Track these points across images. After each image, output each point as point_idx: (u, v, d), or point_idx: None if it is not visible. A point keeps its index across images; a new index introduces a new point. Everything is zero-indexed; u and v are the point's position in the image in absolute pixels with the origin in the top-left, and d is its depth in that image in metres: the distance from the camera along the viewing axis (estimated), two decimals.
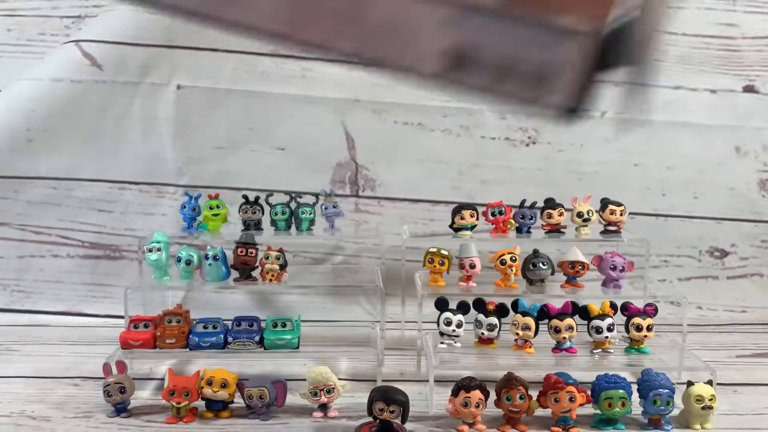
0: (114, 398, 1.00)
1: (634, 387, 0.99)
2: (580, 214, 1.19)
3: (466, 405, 0.95)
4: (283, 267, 1.14)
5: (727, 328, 1.42)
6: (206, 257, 1.14)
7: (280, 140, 1.43)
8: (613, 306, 1.08)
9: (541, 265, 1.13)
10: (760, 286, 1.49)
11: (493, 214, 1.19)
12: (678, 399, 0.99)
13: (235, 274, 1.16)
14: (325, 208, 1.22)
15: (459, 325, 1.07)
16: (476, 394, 0.95)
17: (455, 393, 0.96)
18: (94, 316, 1.42)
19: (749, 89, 1.46)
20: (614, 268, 1.15)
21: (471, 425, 0.97)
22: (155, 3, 0.45)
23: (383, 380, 1.08)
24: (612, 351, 1.08)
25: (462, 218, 1.18)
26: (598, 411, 0.98)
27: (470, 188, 1.45)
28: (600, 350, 1.08)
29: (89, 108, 1.39)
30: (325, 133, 1.43)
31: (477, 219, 1.19)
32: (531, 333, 1.06)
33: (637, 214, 1.43)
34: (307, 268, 1.45)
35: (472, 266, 1.16)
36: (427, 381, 1.04)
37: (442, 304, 1.08)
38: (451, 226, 1.20)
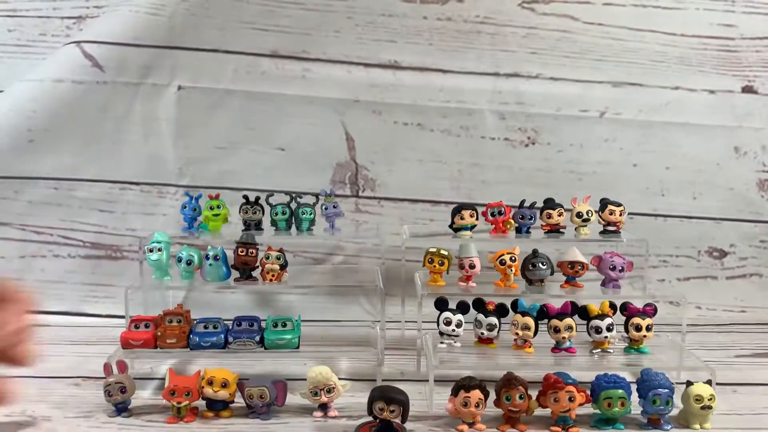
0: (115, 398, 1.00)
1: (634, 387, 0.99)
2: (579, 215, 1.19)
3: (465, 405, 0.96)
4: (283, 267, 1.15)
5: (726, 328, 1.43)
6: (207, 257, 1.14)
7: (280, 140, 1.44)
8: (612, 306, 1.08)
9: (540, 265, 1.13)
10: (759, 286, 1.49)
11: (492, 215, 1.19)
12: (677, 399, 0.99)
13: (235, 274, 1.16)
14: (325, 209, 1.22)
15: (459, 325, 1.07)
16: (476, 394, 0.95)
17: (455, 393, 0.97)
18: (95, 316, 1.43)
19: (748, 90, 1.46)
20: (613, 268, 1.15)
21: (471, 425, 0.98)
22: None
23: (383, 380, 1.08)
24: (611, 351, 1.08)
25: (462, 218, 1.19)
26: (597, 411, 0.98)
27: (470, 188, 1.45)
28: (599, 350, 1.08)
29: (90, 108, 1.39)
30: (325, 133, 1.43)
31: (477, 219, 1.19)
32: (530, 333, 1.07)
33: (636, 214, 1.44)
34: (308, 268, 1.45)
35: (472, 266, 1.16)
36: (427, 381, 1.04)
37: (441, 304, 1.08)
38: (450, 226, 1.21)
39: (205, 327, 1.09)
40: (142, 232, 1.38)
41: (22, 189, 1.41)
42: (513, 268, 1.14)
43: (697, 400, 0.97)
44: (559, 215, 1.20)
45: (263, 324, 1.11)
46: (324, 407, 1.02)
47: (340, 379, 1.02)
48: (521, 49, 1.43)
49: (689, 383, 0.99)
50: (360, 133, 1.44)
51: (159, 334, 1.08)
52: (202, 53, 1.41)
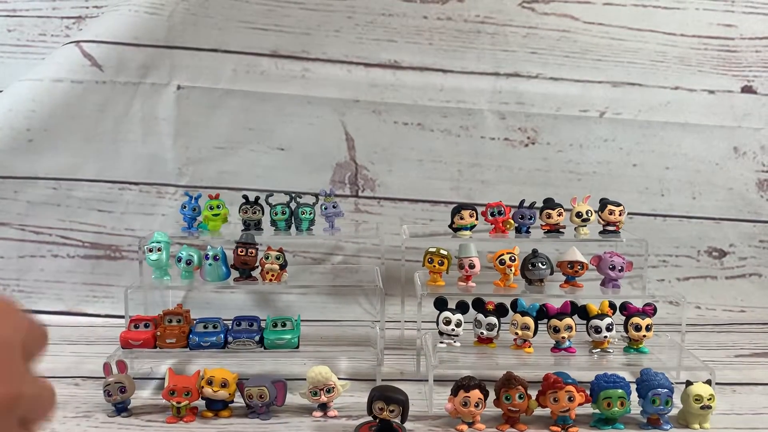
0: (114, 398, 1.00)
1: (633, 386, 0.99)
2: (579, 214, 1.19)
3: (465, 404, 0.96)
4: (283, 267, 1.14)
5: (725, 327, 1.43)
6: (206, 257, 1.14)
7: (280, 140, 1.43)
8: (612, 306, 1.08)
9: (540, 264, 1.13)
10: (758, 285, 1.50)
11: (492, 214, 1.19)
12: (677, 398, 0.99)
13: (235, 273, 1.16)
14: (325, 208, 1.22)
15: (458, 325, 1.07)
16: (475, 394, 0.95)
17: (455, 392, 0.97)
18: (94, 316, 1.43)
19: (747, 90, 1.46)
20: (613, 268, 1.15)
21: (470, 425, 0.98)
22: None
23: (383, 380, 1.08)
24: (611, 351, 1.08)
25: (461, 218, 1.19)
26: (597, 410, 0.98)
27: (470, 188, 1.45)
28: (599, 350, 1.08)
29: (89, 108, 1.39)
30: (324, 133, 1.43)
31: (476, 219, 1.19)
32: (530, 332, 1.07)
33: (635, 214, 1.44)
34: (307, 268, 1.45)
35: (472, 266, 1.16)
36: (427, 380, 1.04)
37: (441, 304, 1.08)
38: (450, 226, 1.21)
39: (205, 327, 1.09)
40: (141, 232, 1.38)
41: (22, 189, 1.41)
42: (512, 268, 1.14)
43: (696, 399, 0.97)
44: (559, 215, 1.20)
45: (263, 324, 1.11)
46: (323, 407, 1.02)
47: (339, 378, 1.02)
48: (521, 49, 1.43)
49: (689, 383, 0.99)
50: (360, 133, 1.44)
51: (158, 334, 1.08)
52: (201, 53, 1.41)
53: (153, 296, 1.28)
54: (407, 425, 0.94)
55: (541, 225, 1.20)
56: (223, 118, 1.42)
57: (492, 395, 0.98)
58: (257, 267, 1.15)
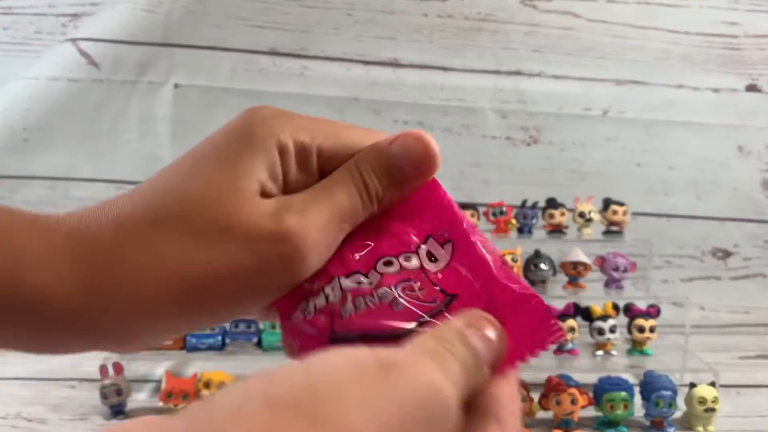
0: (110, 400, 0.99)
1: (637, 389, 0.98)
2: (582, 214, 1.18)
3: None
4: None
5: (730, 329, 1.41)
6: None
7: None
8: (615, 307, 1.07)
9: (542, 265, 1.12)
10: (763, 286, 1.48)
11: (494, 214, 1.18)
12: (680, 401, 0.98)
13: None
14: None
15: None
16: None
17: None
18: None
19: (752, 88, 1.45)
20: (616, 269, 1.13)
21: None
22: None
23: None
24: (614, 353, 1.07)
25: None
26: (600, 413, 0.97)
27: (471, 188, 1.44)
28: (602, 352, 1.07)
29: (86, 107, 1.38)
30: None
31: (478, 219, 1.18)
32: None
33: (639, 214, 1.42)
34: None
35: None
36: None
37: None
38: None
39: (202, 328, 1.08)
40: None
41: (17, 188, 1.40)
42: (515, 269, 1.13)
43: (700, 402, 0.96)
44: (562, 215, 1.18)
45: (261, 326, 1.10)
46: None
47: None
48: (523, 47, 1.42)
49: (692, 385, 0.98)
50: None
51: None
52: (199, 51, 1.39)
53: None
54: None
55: (544, 225, 1.19)
56: (221, 117, 1.39)
57: None
58: None
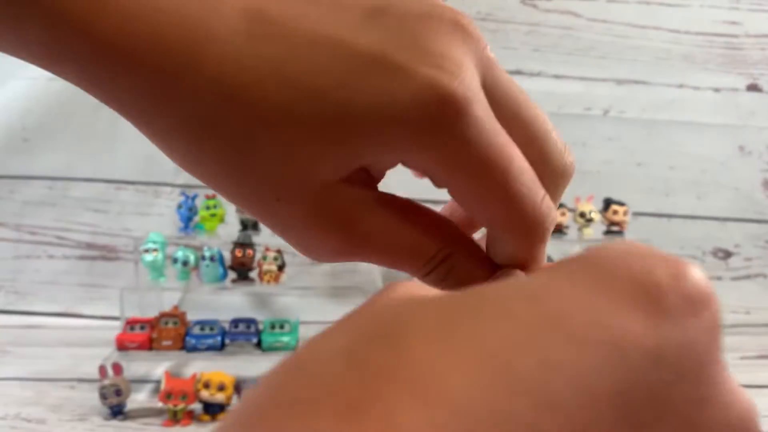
0: (110, 401, 0.99)
1: None
2: (582, 214, 1.18)
3: None
4: (281, 268, 1.13)
5: (731, 329, 1.41)
6: (203, 258, 1.13)
7: None
8: None
9: None
10: (764, 287, 1.48)
11: None
12: None
13: (232, 274, 1.14)
14: None
15: None
16: None
17: None
18: (90, 318, 1.41)
19: (753, 88, 1.45)
20: None
21: None
22: None
23: None
24: None
25: None
26: None
27: None
28: None
29: (85, 107, 1.37)
30: None
31: None
32: None
33: (640, 214, 1.42)
34: (306, 269, 1.43)
35: None
36: None
37: None
38: None
39: (202, 329, 1.08)
40: (137, 232, 1.36)
41: (16, 188, 1.40)
42: None
43: None
44: (562, 215, 1.18)
45: (260, 326, 1.10)
46: None
47: None
48: (523, 47, 1.42)
49: None
50: None
51: (154, 336, 1.06)
52: None
53: (149, 298, 1.26)
54: None
55: None
56: None
57: None
58: (255, 268, 1.14)
